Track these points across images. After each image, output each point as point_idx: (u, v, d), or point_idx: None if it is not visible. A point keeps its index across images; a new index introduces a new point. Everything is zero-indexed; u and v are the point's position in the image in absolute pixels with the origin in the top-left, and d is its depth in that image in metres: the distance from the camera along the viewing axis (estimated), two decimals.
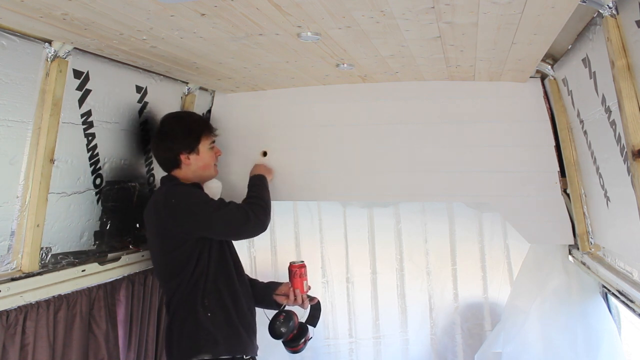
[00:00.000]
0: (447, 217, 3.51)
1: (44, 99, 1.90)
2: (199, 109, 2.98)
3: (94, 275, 2.26)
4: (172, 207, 2.29)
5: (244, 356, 2.37)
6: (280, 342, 2.52)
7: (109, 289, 2.32)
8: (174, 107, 2.79)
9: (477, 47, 2.07)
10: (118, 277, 2.40)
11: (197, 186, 2.44)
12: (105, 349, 2.22)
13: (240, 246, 2.93)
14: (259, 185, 2.64)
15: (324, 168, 3.00)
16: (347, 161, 2.96)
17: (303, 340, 2.50)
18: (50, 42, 1.88)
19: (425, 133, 2.87)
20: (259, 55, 2.20)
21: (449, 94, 2.81)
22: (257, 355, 2.49)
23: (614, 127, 1.84)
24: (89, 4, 1.51)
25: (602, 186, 2.14)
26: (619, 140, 1.80)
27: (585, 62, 1.98)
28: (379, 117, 2.92)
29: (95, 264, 2.29)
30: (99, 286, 2.27)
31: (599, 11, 1.63)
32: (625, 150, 1.68)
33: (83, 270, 2.20)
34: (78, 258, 2.22)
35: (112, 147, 2.38)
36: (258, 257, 3.70)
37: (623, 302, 2.10)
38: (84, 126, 2.19)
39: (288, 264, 2.62)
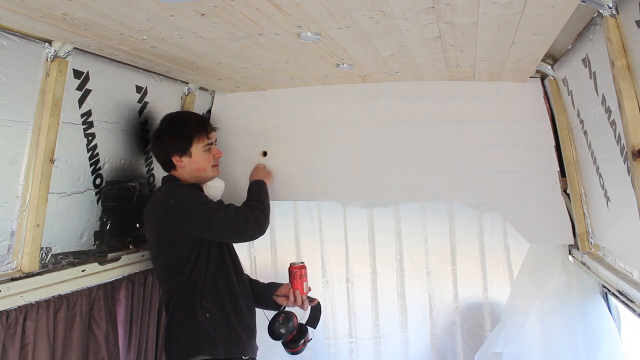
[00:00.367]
0: (447, 217, 3.51)
1: (44, 99, 1.90)
2: (199, 109, 2.98)
3: (94, 275, 2.26)
4: (171, 207, 2.28)
5: (243, 357, 2.37)
6: (279, 343, 2.51)
7: (109, 289, 2.32)
8: (174, 107, 2.79)
9: (477, 47, 2.07)
10: (118, 277, 2.40)
11: (196, 187, 2.43)
12: (105, 349, 2.22)
13: (240, 246, 2.93)
14: (258, 190, 2.62)
15: (324, 168, 3.00)
16: (347, 161, 2.96)
17: (302, 341, 2.50)
18: (50, 42, 1.88)
19: (425, 133, 2.87)
20: (259, 55, 2.20)
21: (449, 94, 2.81)
22: (256, 356, 2.49)
23: (614, 127, 1.84)
24: (89, 4, 1.51)
25: (602, 186, 2.14)
26: (619, 140, 1.80)
27: (585, 62, 1.98)
28: (379, 117, 2.92)
29: (95, 264, 2.29)
30: (99, 286, 2.26)
31: (599, 11, 1.63)
32: (625, 150, 1.68)
33: (83, 270, 2.20)
34: (78, 258, 2.22)
35: (112, 147, 2.38)
36: (258, 257, 3.70)
37: (623, 302, 2.10)
38: (84, 126, 2.19)
39: (288, 265, 2.61)
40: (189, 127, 2.41)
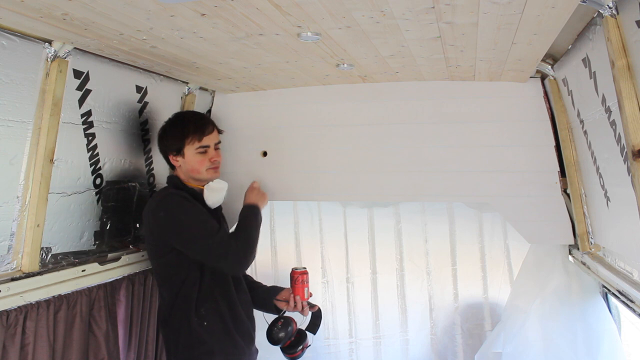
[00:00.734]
0: (447, 217, 3.51)
1: (44, 99, 1.90)
2: (199, 109, 2.97)
3: (94, 275, 2.26)
4: (161, 219, 2.30)
5: None
6: (278, 347, 2.50)
7: (109, 289, 2.32)
8: (174, 107, 2.79)
9: (477, 47, 2.07)
10: (118, 277, 2.40)
11: (194, 192, 2.40)
12: (105, 349, 2.22)
13: None
14: (249, 219, 2.48)
15: (324, 168, 3.00)
16: (347, 161, 2.96)
17: (301, 347, 2.48)
18: (50, 42, 1.88)
19: (425, 133, 2.87)
20: (259, 55, 2.20)
21: (449, 94, 2.81)
22: None
23: (614, 127, 1.84)
24: (89, 4, 1.51)
25: (602, 186, 2.14)
26: (619, 140, 1.80)
27: (585, 62, 1.98)
28: (379, 117, 2.92)
29: (95, 264, 2.29)
30: (99, 286, 2.26)
31: (599, 11, 1.63)
32: (625, 150, 1.68)
33: (83, 270, 2.20)
34: (78, 258, 2.22)
35: (112, 147, 2.38)
36: (258, 257, 3.65)
37: (623, 302, 2.10)
38: (84, 126, 2.19)
39: (290, 270, 2.59)
40: (184, 128, 2.40)
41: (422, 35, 1.91)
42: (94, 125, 2.24)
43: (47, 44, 1.87)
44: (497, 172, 2.79)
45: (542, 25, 1.76)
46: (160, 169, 2.78)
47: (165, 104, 2.70)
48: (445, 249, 3.51)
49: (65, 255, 2.16)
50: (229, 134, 3.00)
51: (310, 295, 2.55)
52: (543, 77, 2.66)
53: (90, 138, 2.23)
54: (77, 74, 2.08)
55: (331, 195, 3.11)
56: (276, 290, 2.62)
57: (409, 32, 1.87)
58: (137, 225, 2.61)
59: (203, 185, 2.44)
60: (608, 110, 1.86)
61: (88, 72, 2.13)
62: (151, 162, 2.70)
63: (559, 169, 2.69)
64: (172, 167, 2.50)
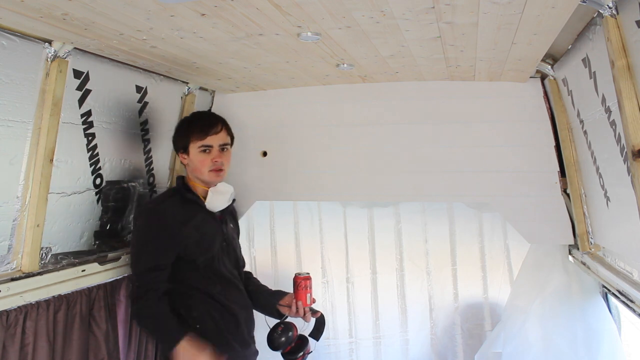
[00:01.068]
0: (447, 217, 3.51)
1: (44, 99, 1.90)
2: (198, 108, 2.97)
3: (94, 275, 2.26)
4: (133, 228, 2.43)
5: None
6: (278, 353, 2.48)
7: (109, 289, 2.32)
8: (174, 107, 2.79)
9: (477, 47, 2.07)
10: (118, 277, 2.40)
11: (191, 201, 2.37)
12: (105, 349, 2.22)
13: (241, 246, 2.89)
14: (159, 329, 2.28)
15: (324, 168, 3.00)
16: (347, 161, 2.96)
17: (302, 353, 2.44)
18: (50, 42, 1.88)
19: (425, 133, 2.87)
20: (259, 55, 2.20)
21: (449, 94, 2.81)
22: None
23: (614, 127, 1.84)
24: (89, 4, 1.51)
25: (602, 186, 2.14)
26: (619, 140, 1.80)
27: (585, 62, 1.98)
28: (379, 117, 2.92)
29: (95, 264, 2.29)
30: (99, 286, 2.26)
31: (599, 11, 1.63)
32: (625, 150, 1.68)
33: (83, 270, 2.20)
34: (78, 258, 2.22)
35: (112, 147, 2.38)
36: (258, 257, 3.71)
37: (623, 302, 2.10)
38: (84, 126, 2.19)
39: (294, 275, 2.53)
40: (190, 126, 2.41)
41: (422, 35, 1.91)
42: (94, 125, 2.24)
43: (47, 44, 1.87)
44: (497, 172, 2.79)
45: (542, 25, 1.76)
46: (160, 168, 2.78)
47: (165, 104, 2.70)
48: (445, 249, 3.51)
49: (65, 255, 2.16)
50: None
51: (314, 301, 2.50)
52: (543, 77, 2.66)
53: (90, 138, 2.23)
54: (77, 74, 2.08)
55: (331, 195, 3.11)
56: (280, 294, 2.58)
57: (409, 32, 1.87)
58: None
59: (208, 188, 2.41)
60: (608, 110, 1.86)
61: (88, 72, 2.13)
62: (151, 162, 2.70)
63: (559, 169, 2.69)
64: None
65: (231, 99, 3.10)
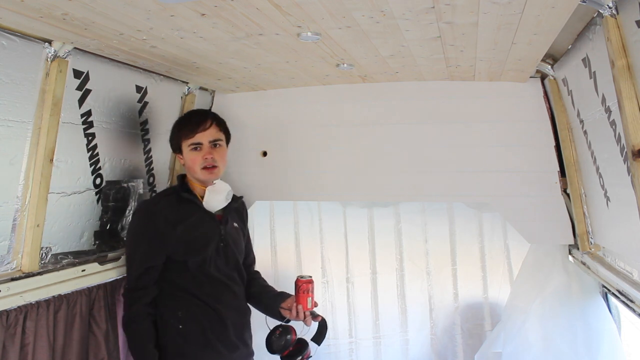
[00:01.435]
0: (447, 217, 3.50)
1: (44, 99, 1.90)
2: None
3: (94, 275, 2.26)
4: (129, 225, 2.45)
5: None
6: (277, 357, 2.46)
7: (109, 289, 2.32)
8: (174, 107, 2.79)
9: (477, 47, 2.07)
10: (118, 277, 2.40)
11: (187, 200, 2.35)
12: (105, 349, 2.22)
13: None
14: (133, 349, 2.29)
15: (324, 168, 2.99)
16: (347, 161, 2.96)
17: (301, 357, 2.40)
18: (50, 42, 1.88)
19: (425, 133, 2.87)
20: (259, 55, 2.20)
21: (449, 94, 2.81)
22: None
23: (614, 127, 1.84)
24: (89, 4, 1.51)
25: (602, 186, 2.14)
26: (619, 140, 1.80)
27: (585, 62, 1.98)
28: (379, 117, 2.92)
29: (95, 264, 2.29)
30: (99, 286, 2.26)
31: (599, 11, 1.63)
32: (625, 150, 1.68)
33: (83, 270, 2.20)
34: (78, 258, 2.22)
35: (112, 147, 2.38)
36: (258, 257, 3.67)
37: (623, 302, 2.10)
38: (84, 126, 2.19)
39: (296, 277, 2.48)
40: (180, 125, 2.40)
41: (422, 35, 1.91)
42: (94, 125, 2.24)
43: (47, 44, 1.87)
44: (497, 172, 2.79)
45: (542, 25, 1.76)
46: (160, 168, 2.78)
47: (165, 104, 2.70)
48: (445, 249, 3.51)
49: (65, 255, 2.16)
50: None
51: (316, 305, 2.46)
52: (543, 77, 2.66)
53: (90, 138, 2.23)
54: (77, 74, 2.08)
55: (331, 195, 3.11)
56: (283, 296, 2.53)
57: (409, 32, 1.87)
58: None
59: (206, 187, 2.39)
60: (608, 110, 1.86)
61: (88, 72, 2.13)
62: (151, 162, 2.70)
63: (559, 169, 2.69)
64: None
65: (231, 99, 3.10)
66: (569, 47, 2.15)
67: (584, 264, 2.54)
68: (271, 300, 2.53)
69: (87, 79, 2.14)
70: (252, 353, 2.53)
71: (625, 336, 2.68)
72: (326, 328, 2.49)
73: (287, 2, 1.56)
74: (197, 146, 2.33)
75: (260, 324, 2.53)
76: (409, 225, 3.56)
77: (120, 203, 2.49)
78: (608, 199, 2.11)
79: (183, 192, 2.36)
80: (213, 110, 3.10)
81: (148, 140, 2.65)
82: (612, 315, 2.65)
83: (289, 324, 2.44)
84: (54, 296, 2.02)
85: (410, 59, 2.30)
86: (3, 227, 1.86)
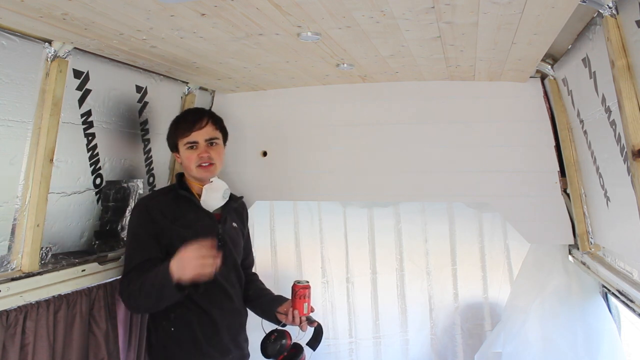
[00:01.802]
0: (447, 217, 3.51)
1: (44, 99, 1.90)
2: None
3: (94, 275, 2.26)
4: (128, 221, 2.44)
5: None
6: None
7: (109, 289, 2.32)
8: (174, 107, 2.79)
9: (477, 47, 2.07)
10: (118, 277, 2.40)
11: (184, 198, 2.33)
12: (105, 349, 2.22)
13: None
14: (153, 280, 2.10)
15: (324, 168, 2.99)
16: (347, 161, 2.96)
17: None
18: (50, 42, 1.88)
19: (425, 133, 2.87)
20: (259, 55, 2.20)
21: (449, 94, 2.81)
22: None
23: (614, 127, 1.84)
24: (89, 4, 1.51)
25: (602, 186, 2.14)
26: (619, 140, 1.80)
27: (585, 62, 1.98)
28: (379, 117, 2.92)
29: (95, 264, 2.29)
30: (99, 286, 2.26)
31: (599, 11, 1.63)
32: (625, 150, 1.68)
33: (83, 270, 2.20)
34: (78, 258, 2.22)
35: (112, 147, 2.38)
36: (258, 257, 3.68)
37: (623, 302, 2.10)
38: (84, 126, 2.19)
39: (293, 282, 2.47)
40: (176, 124, 2.40)
41: (422, 35, 1.91)
42: (94, 125, 2.24)
43: (47, 44, 1.87)
44: (497, 172, 2.79)
45: (542, 25, 1.76)
46: (160, 168, 2.78)
47: (165, 104, 2.70)
48: (445, 249, 3.51)
49: (65, 255, 2.16)
50: (229, 134, 3.00)
51: (312, 310, 2.45)
52: (543, 77, 2.66)
53: (90, 138, 2.23)
54: (77, 73, 2.08)
55: (331, 195, 3.11)
56: (280, 300, 2.51)
57: (409, 32, 1.87)
58: None
59: (201, 186, 2.38)
60: (608, 110, 1.86)
61: (88, 72, 2.13)
62: (151, 162, 2.70)
63: (559, 169, 2.70)
64: None
65: (231, 99, 3.10)
66: (569, 47, 2.15)
67: (584, 264, 2.54)
68: (268, 304, 2.52)
69: (87, 79, 2.14)
70: (247, 355, 2.51)
71: (625, 336, 2.68)
72: (322, 333, 2.48)
73: (287, 2, 1.56)
74: (193, 145, 2.33)
75: (256, 327, 2.51)
76: (409, 225, 3.56)
77: (120, 203, 2.49)
78: (608, 199, 2.11)
79: (180, 190, 2.34)
80: (213, 110, 3.10)
81: (148, 140, 2.65)
82: (612, 315, 2.65)
83: (285, 328, 2.42)
84: (54, 296, 2.02)
85: (410, 59, 2.30)
86: (3, 227, 1.86)
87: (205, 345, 2.30)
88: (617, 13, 1.58)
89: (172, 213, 2.29)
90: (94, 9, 1.55)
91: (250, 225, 3.65)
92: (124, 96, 2.41)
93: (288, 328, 2.44)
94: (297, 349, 2.42)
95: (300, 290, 2.39)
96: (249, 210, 2.77)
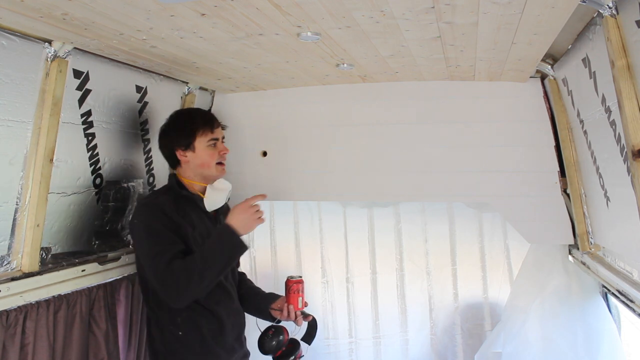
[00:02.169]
0: (447, 217, 3.51)
1: (44, 99, 1.90)
2: None
3: (94, 275, 2.26)
4: (132, 226, 2.30)
5: None
6: (270, 357, 2.47)
7: (109, 289, 2.32)
8: (174, 107, 2.79)
9: (477, 47, 2.07)
10: (118, 277, 2.40)
11: (187, 199, 2.29)
12: (105, 349, 2.22)
13: None
14: (213, 249, 2.14)
15: (324, 168, 3.00)
16: (347, 161, 2.96)
17: (293, 357, 2.41)
18: (50, 42, 1.88)
19: (425, 133, 2.87)
20: (259, 55, 2.20)
21: (449, 94, 2.81)
22: None
23: (614, 127, 1.84)
24: (89, 4, 1.51)
25: (602, 186, 2.14)
26: (619, 140, 1.80)
27: (585, 62, 1.99)
28: (379, 117, 2.92)
29: (95, 264, 2.28)
30: (99, 286, 2.26)
31: (599, 11, 1.63)
32: (625, 150, 1.68)
33: (83, 270, 2.20)
34: (78, 258, 2.22)
35: (112, 147, 2.38)
36: (258, 256, 3.70)
37: (623, 302, 2.10)
38: (84, 126, 2.19)
39: (286, 278, 2.49)
40: (193, 121, 2.33)
41: (422, 35, 1.91)
42: (94, 125, 2.24)
43: (47, 44, 1.87)
44: (497, 172, 2.79)
45: (542, 25, 1.76)
46: (160, 168, 2.78)
47: (165, 104, 2.70)
48: (445, 249, 3.51)
49: (65, 255, 2.16)
50: (229, 134, 2.99)
51: (306, 304, 2.47)
52: (543, 77, 2.66)
53: (90, 138, 2.23)
54: (77, 73, 2.08)
55: (331, 195, 3.11)
56: (272, 297, 2.54)
57: (409, 32, 1.87)
58: None
59: (204, 186, 2.36)
60: (608, 110, 1.86)
61: (88, 72, 2.13)
62: (151, 162, 2.70)
63: (559, 169, 2.70)
64: (174, 166, 2.39)
65: (231, 99, 3.10)
66: (569, 47, 2.15)
67: (584, 264, 2.54)
68: (261, 302, 2.53)
69: (87, 79, 2.14)
70: (248, 353, 2.52)
71: (625, 336, 2.68)
72: (316, 327, 2.52)
73: (287, 2, 1.56)
74: (215, 142, 2.33)
75: (251, 325, 2.52)
76: (409, 225, 3.56)
77: (120, 203, 2.49)
78: (608, 199, 2.11)
79: (181, 190, 2.30)
80: (213, 110, 3.10)
81: (148, 140, 2.65)
82: (612, 315, 2.65)
83: (280, 324, 2.44)
84: (54, 296, 2.02)
85: (410, 59, 2.30)
86: (3, 227, 1.86)
87: (213, 345, 2.30)
88: (617, 13, 1.58)
89: (177, 211, 2.24)
90: (94, 9, 1.55)
91: None
92: (124, 96, 2.41)
93: (283, 323, 2.46)
94: (294, 344, 2.45)
95: (294, 285, 2.42)
96: None
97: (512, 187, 2.77)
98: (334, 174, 2.98)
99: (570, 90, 2.33)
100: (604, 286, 2.47)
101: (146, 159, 2.68)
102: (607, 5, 1.59)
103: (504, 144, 2.78)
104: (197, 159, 2.31)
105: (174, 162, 2.37)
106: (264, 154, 3.09)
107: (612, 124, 1.84)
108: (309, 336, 2.50)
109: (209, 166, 2.32)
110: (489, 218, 3.42)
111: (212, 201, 2.36)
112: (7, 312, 1.81)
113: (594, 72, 1.93)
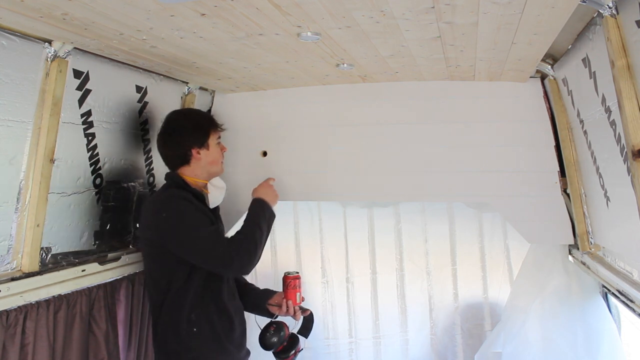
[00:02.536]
0: (447, 217, 3.51)
1: (44, 99, 1.90)
2: (198, 108, 2.97)
3: (94, 275, 2.26)
4: (162, 220, 2.20)
5: None
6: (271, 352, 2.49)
7: (109, 289, 2.32)
8: (174, 107, 2.78)
9: (477, 47, 2.07)
10: (118, 277, 2.40)
11: (196, 195, 2.30)
12: (105, 349, 2.22)
13: None
14: (255, 217, 2.36)
15: (324, 168, 3.00)
16: (347, 161, 2.96)
17: (293, 351, 2.47)
18: (50, 42, 1.88)
19: (425, 133, 2.87)
20: (259, 55, 2.20)
21: (449, 94, 2.81)
22: None
23: (614, 127, 1.84)
24: (89, 4, 1.51)
25: (602, 186, 2.14)
26: (619, 140, 1.80)
27: (585, 62, 1.99)
28: (379, 117, 2.92)
29: (95, 264, 2.28)
30: (99, 286, 2.26)
31: (599, 11, 1.63)
32: (625, 150, 1.68)
33: (83, 270, 2.20)
34: (78, 258, 2.22)
35: (112, 147, 2.38)
36: None
37: (623, 302, 2.10)
38: (84, 126, 2.19)
39: (283, 274, 2.56)
40: (206, 120, 2.43)
41: (422, 35, 1.91)
42: (94, 125, 2.24)
43: (47, 44, 1.87)
44: (497, 172, 2.79)
45: (542, 25, 1.76)
46: (160, 168, 2.78)
47: (165, 104, 2.70)
48: (445, 249, 3.52)
49: (65, 255, 2.16)
50: (229, 134, 2.99)
51: (303, 299, 2.53)
52: (543, 77, 2.66)
53: (90, 138, 2.23)
54: (77, 73, 2.08)
55: (331, 195, 3.11)
56: (268, 293, 2.59)
57: (409, 32, 1.87)
58: (137, 225, 2.61)
59: (206, 183, 2.39)
60: (608, 110, 1.86)
61: (88, 72, 2.13)
62: (151, 162, 2.70)
63: (559, 169, 2.69)
64: (179, 166, 2.36)
65: (231, 99, 3.10)
66: (569, 47, 2.15)
67: (584, 264, 2.54)
68: (258, 298, 2.58)
69: (87, 79, 2.13)
70: (249, 350, 2.54)
71: (625, 336, 2.68)
72: (312, 321, 2.57)
73: (287, 2, 1.56)
74: (220, 140, 2.44)
75: (248, 322, 2.54)
76: (409, 225, 3.57)
77: (120, 203, 2.49)
78: (608, 199, 2.11)
79: (188, 187, 2.31)
80: (213, 110, 3.10)
81: (148, 140, 2.65)
82: (612, 315, 2.65)
83: (279, 320, 2.50)
84: (54, 296, 2.02)
85: (410, 59, 2.30)
86: (3, 227, 1.86)
87: (224, 341, 2.33)
88: (617, 13, 1.58)
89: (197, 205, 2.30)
90: (94, 9, 1.55)
91: None
92: (124, 96, 2.41)
93: (281, 318, 2.51)
94: (294, 338, 2.51)
95: (292, 280, 2.50)
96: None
97: (512, 187, 2.77)
98: (334, 174, 2.99)
99: (570, 90, 2.33)
100: (604, 286, 2.47)
101: (146, 159, 2.67)
102: (607, 5, 1.58)
103: (504, 144, 2.78)
104: (209, 156, 2.38)
105: (182, 161, 2.35)
106: (264, 154, 3.09)
107: (612, 124, 1.84)
108: (306, 329, 2.56)
109: (217, 163, 2.42)
110: (489, 218, 3.43)
111: (215, 198, 2.43)
112: (7, 312, 1.81)
113: (594, 72, 1.93)
